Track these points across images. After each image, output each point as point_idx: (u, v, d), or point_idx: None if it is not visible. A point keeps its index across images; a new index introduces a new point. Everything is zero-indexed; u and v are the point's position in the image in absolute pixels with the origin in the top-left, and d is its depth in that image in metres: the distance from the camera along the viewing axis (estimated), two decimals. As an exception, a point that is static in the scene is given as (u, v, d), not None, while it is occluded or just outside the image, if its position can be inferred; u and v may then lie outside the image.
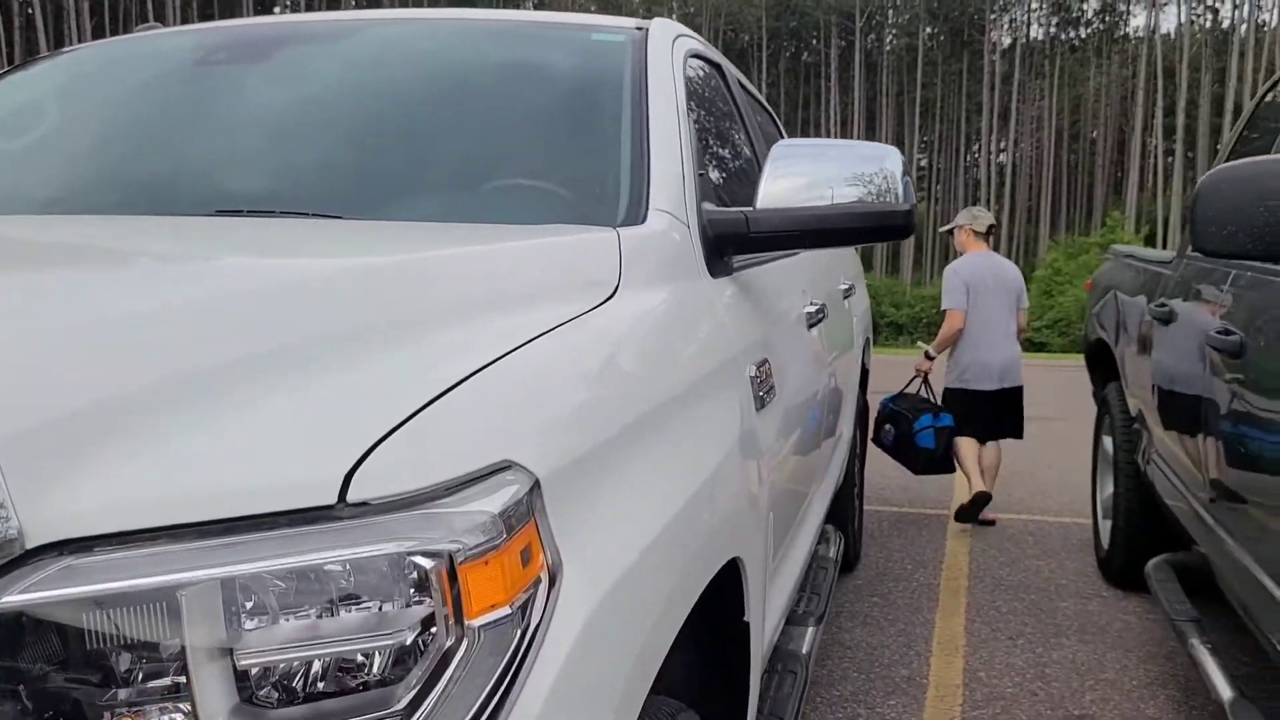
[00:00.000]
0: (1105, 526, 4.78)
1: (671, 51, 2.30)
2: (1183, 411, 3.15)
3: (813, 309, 2.78)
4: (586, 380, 1.24)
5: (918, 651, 3.89)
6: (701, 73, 2.59)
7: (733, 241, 1.98)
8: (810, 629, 2.80)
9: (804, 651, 2.65)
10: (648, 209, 1.80)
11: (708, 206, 2.00)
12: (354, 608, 0.84)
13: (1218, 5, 62.73)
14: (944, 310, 5.63)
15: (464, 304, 1.23)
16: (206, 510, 0.82)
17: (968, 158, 69.42)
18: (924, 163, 70.48)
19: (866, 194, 1.97)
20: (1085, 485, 6.55)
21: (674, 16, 74.99)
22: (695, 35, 2.65)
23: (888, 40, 70.36)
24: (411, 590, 0.85)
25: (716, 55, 2.90)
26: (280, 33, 2.33)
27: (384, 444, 0.88)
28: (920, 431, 5.55)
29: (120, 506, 0.81)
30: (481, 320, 1.21)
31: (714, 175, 2.43)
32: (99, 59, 2.49)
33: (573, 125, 2.04)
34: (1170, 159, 58.22)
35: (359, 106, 2.07)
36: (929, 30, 68.51)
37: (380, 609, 0.85)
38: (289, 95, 2.10)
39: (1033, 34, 68.27)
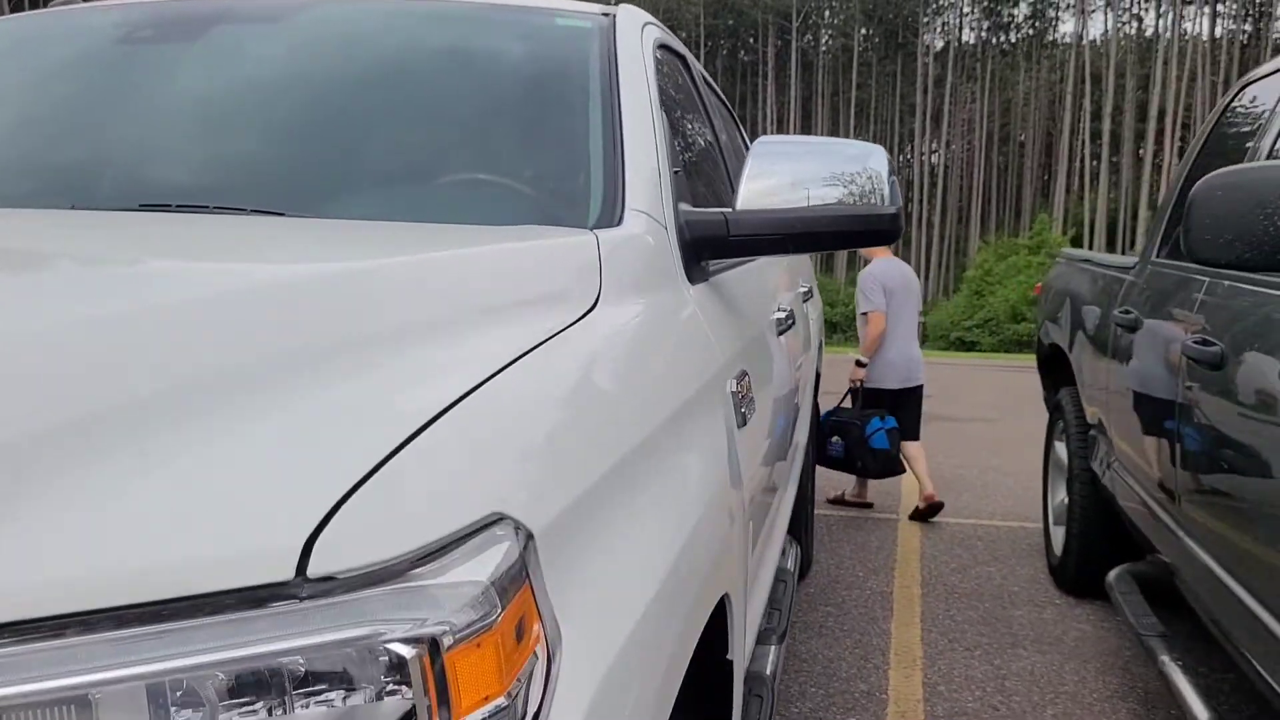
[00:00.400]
0: (1057, 533, 4.74)
1: (641, 40, 2.15)
2: (1152, 421, 3.08)
3: (782, 315, 2.65)
4: (574, 409, 1.08)
5: (875, 664, 3.80)
6: (668, 64, 2.44)
7: (711, 245, 1.84)
8: (773, 648, 2.67)
9: (768, 672, 2.52)
10: (623, 209, 1.65)
11: (684, 207, 1.85)
12: (315, 705, 0.68)
13: (1143, 14, 64.34)
14: (864, 314, 5.81)
15: (432, 320, 1.06)
16: (129, 591, 0.64)
17: (901, 158, 70.28)
18: (858, 162, 71.08)
19: (849, 195, 1.85)
20: (1030, 488, 6.56)
21: (612, 12, 74.61)
22: (661, 25, 2.50)
23: (823, 41, 70.95)
24: (387, 684, 0.69)
25: (681, 46, 2.76)
26: (213, 10, 2.12)
27: (350, 501, 0.71)
28: (874, 434, 5.56)
29: (16, 589, 0.63)
30: (453, 340, 1.04)
31: (684, 174, 2.28)
32: (9, 36, 2.26)
33: (537, 117, 1.87)
34: (1096, 163, 59.56)
35: (302, 92, 1.87)
36: (864, 32, 69.22)
37: (347, 706, 0.68)
38: (222, 78, 1.90)
39: (964, 38, 69.35)
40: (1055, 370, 4.90)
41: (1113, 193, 58.87)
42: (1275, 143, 2.64)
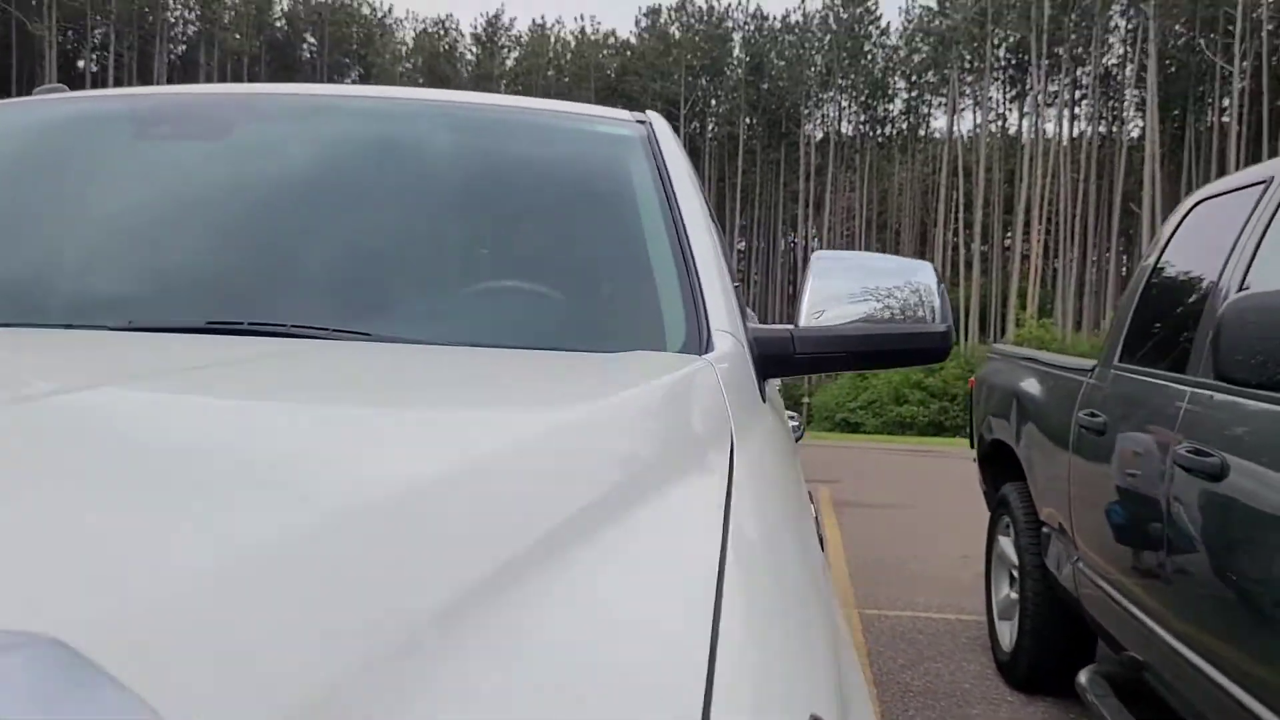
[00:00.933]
0: (1004, 628, 4.78)
1: (678, 147, 2.13)
2: (1135, 526, 3.14)
3: (795, 423, 2.63)
4: (787, 571, 1.01)
5: (848, 771, 3.72)
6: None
7: (777, 363, 1.80)
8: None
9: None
10: (709, 330, 1.60)
11: (750, 323, 1.82)
12: None
13: (1007, 113, 68.22)
14: None
15: (629, 479, 0.98)
16: None
17: (784, 243, 72.42)
18: (743, 246, 73.30)
19: (897, 310, 1.86)
20: (958, 578, 6.66)
21: (503, 94, 75.68)
22: None
23: (710, 128, 72.99)
24: None
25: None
26: (237, 105, 2.01)
27: (713, 708, 0.63)
28: None
29: None
30: (654, 502, 0.96)
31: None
32: (12, 127, 2.07)
33: (603, 230, 1.81)
34: (968, 251, 62.31)
35: (355, 199, 1.77)
36: (748, 121, 71.52)
37: None
38: (262, 181, 1.78)
39: (844, 130, 72.27)
40: (997, 465, 5.00)
41: (983, 279, 61.57)
42: (1251, 263, 2.76)
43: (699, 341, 1.57)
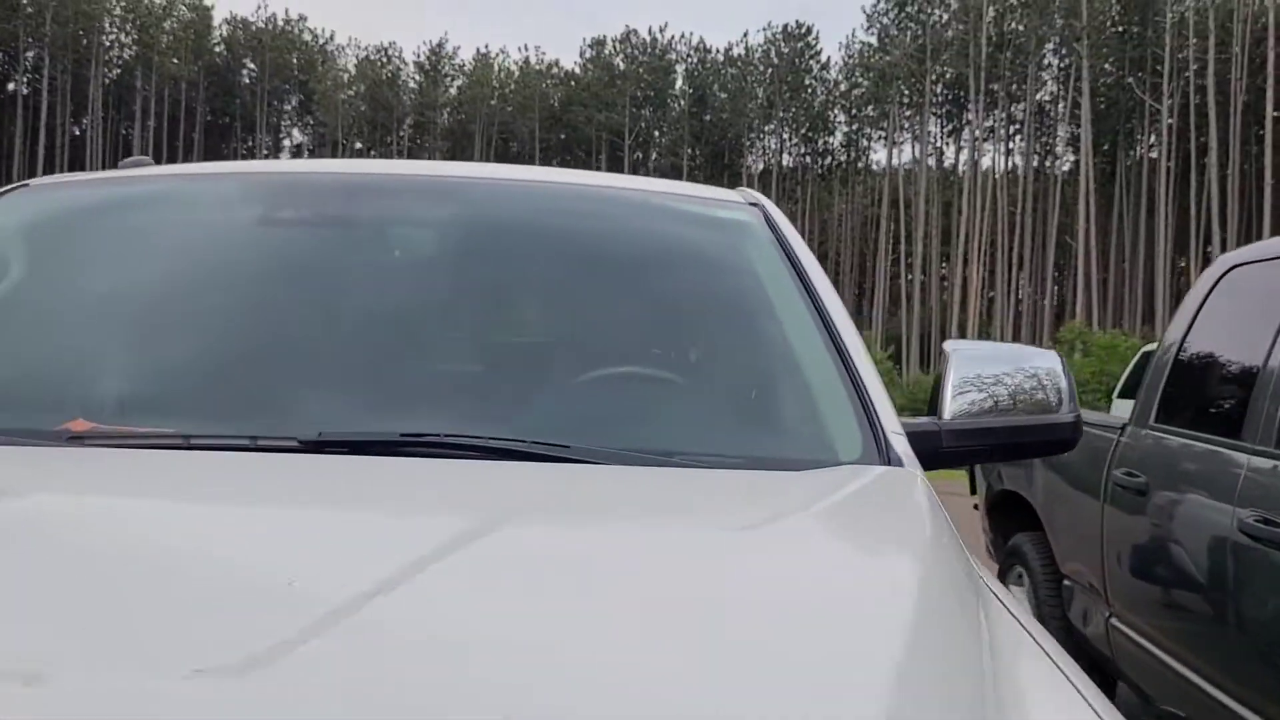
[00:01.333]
0: (1018, 678, 4.82)
1: (793, 229, 2.12)
2: (1186, 588, 3.19)
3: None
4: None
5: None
6: None
7: (925, 458, 1.80)
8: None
9: None
10: (885, 435, 1.59)
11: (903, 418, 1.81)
12: None
13: (944, 147, 69.72)
14: None
15: (947, 608, 0.98)
16: None
17: (727, 273, 72.88)
18: (686, 276, 73.64)
19: (1005, 398, 1.88)
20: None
21: (446, 122, 75.58)
22: None
23: (653, 158, 73.48)
24: None
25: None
26: (366, 186, 1.94)
27: None
28: None
29: None
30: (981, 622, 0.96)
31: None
32: (75, 207, 1.95)
33: (763, 330, 1.79)
34: (910, 281, 63.40)
35: (515, 298, 1.73)
36: (691, 151, 72.15)
37: None
38: (417, 276, 1.73)
39: (785, 161, 73.23)
40: (1007, 514, 5.04)
41: (923, 309, 62.66)
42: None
43: (878, 448, 1.55)
